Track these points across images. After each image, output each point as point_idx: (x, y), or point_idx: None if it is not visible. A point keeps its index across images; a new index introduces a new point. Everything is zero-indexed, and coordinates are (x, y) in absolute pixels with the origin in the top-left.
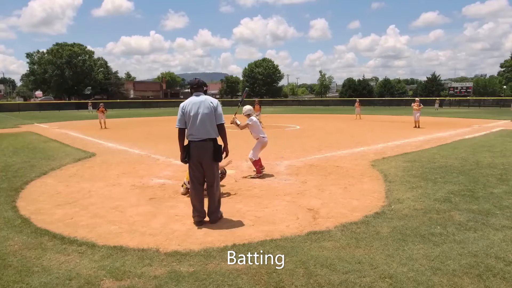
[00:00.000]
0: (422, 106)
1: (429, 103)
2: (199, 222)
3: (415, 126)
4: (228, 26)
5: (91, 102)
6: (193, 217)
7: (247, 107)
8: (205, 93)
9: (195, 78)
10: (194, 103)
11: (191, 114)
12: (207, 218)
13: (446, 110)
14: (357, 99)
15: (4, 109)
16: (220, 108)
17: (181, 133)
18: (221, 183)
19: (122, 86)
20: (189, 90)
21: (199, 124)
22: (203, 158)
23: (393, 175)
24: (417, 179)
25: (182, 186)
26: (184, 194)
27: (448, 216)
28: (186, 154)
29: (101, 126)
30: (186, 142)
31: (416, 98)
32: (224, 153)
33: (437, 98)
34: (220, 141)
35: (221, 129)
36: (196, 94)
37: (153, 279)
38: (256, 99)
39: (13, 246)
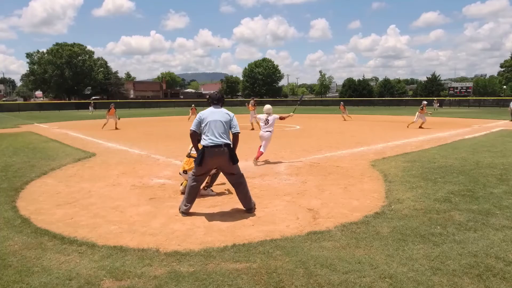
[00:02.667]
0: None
1: (429, 103)
2: (186, 214)
3: (408, 127)
4: (229, 26)
5: (92, 102)
6: (184, 206)
7: (268, 106)
8: (222, 106)
9: (215, 92)
10: (212, 112)
11: (208, 120)
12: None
13: (446, 110)
14: (341, 102)
15: (4, 109)
16: (235, 120)
17: (193, 135)
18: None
19: (122, 86)
20: (207, 101)
21: (214, 129)
22: (219, 164)
23: (393, 175)
24: (417, 179)
25: (182, 184)
26: (183, 193)
27: (448, 216)
28: (201, 159)
29: (116, 127)
30: (200, 146)
31: (424, 102)
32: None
33: (435, 98)
34: None
35: (235, 137)
36: (214, 106)
37: (153, 279)
38: (253, 99)
39: (13, 246)
